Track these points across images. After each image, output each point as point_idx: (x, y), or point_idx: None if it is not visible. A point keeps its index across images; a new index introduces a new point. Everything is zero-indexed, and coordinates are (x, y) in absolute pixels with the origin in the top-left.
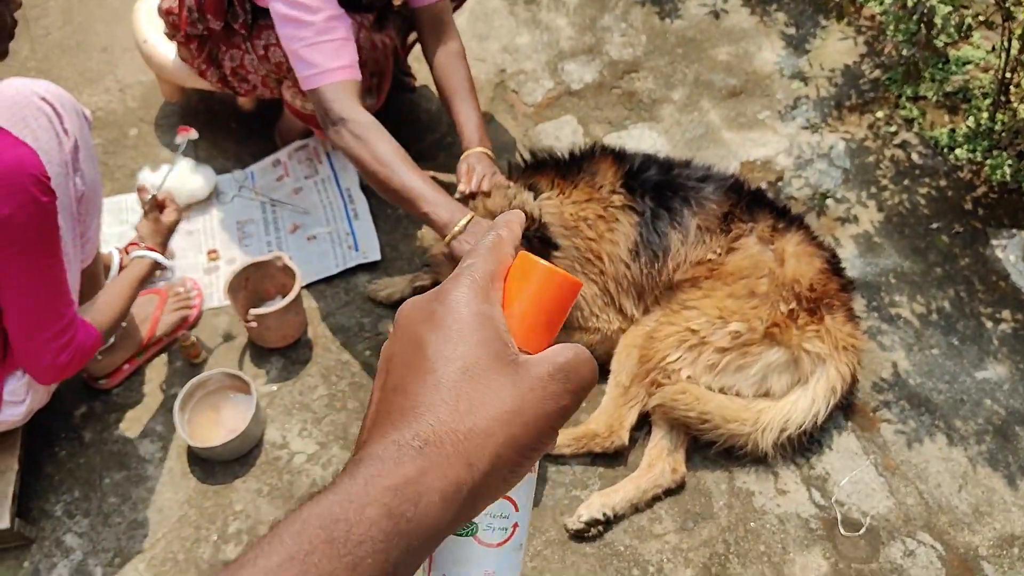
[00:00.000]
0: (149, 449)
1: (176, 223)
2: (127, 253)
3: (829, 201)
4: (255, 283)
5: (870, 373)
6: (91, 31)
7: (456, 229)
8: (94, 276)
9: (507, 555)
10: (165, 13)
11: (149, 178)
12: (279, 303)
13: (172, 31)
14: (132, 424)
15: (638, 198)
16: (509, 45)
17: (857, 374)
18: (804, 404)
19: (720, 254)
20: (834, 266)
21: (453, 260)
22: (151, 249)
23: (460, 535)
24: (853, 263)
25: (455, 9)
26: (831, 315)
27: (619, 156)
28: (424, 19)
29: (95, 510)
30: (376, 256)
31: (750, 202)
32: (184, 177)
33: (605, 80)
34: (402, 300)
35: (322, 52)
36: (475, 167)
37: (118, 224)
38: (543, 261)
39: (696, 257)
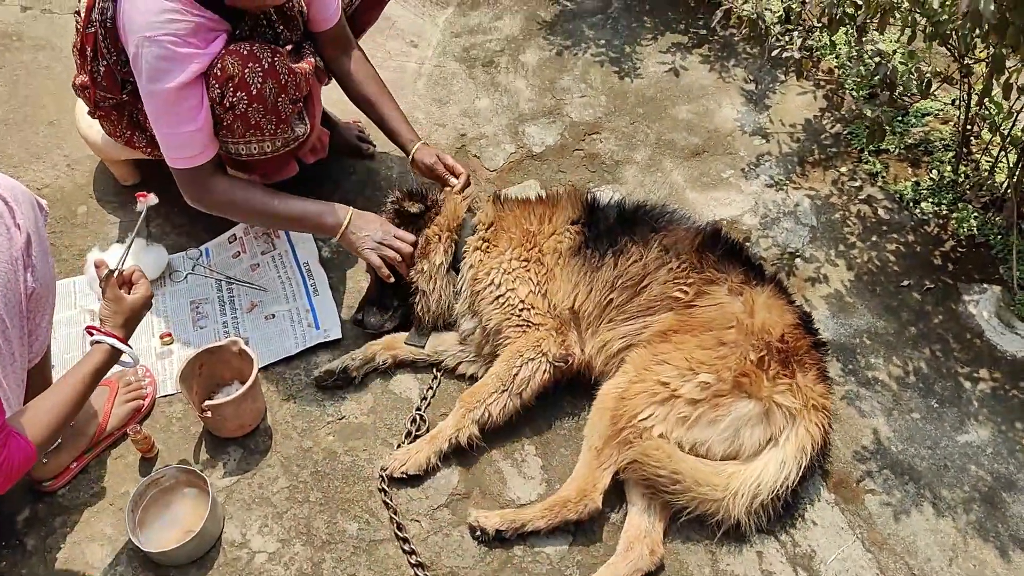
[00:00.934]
0: (98, 555)
1: (146, 300)
2: (91, 335)
3: (798, 261)
4: (210, 369)
5: (850, 441)
6: (37, 104)
7: (344, 226)
8: (43, 374)
9: None
10: (80, 89)
11: (99, 258)
12: (235, 392)
13: (91, 107)
14: (80, 528)
15: (596, 218)
16: (469, 109)
17: (828, 436)
18: (774, 467)
19: (688, 294)
20: (807, 324)
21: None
22: (110, 335)
23: None
24: (826, 324)
25: (368, 26)
26: (803, 372)
27: (592, 193)
28: (326, 41)
29: None
30: (337, 334)
31: (726, 253)
32: (135, 257)
33: (567, 142)
34: (345, 372)
35: (178, 140)
36: (444, 159)
37: (67, 308)
38: None
39: (663, 283)
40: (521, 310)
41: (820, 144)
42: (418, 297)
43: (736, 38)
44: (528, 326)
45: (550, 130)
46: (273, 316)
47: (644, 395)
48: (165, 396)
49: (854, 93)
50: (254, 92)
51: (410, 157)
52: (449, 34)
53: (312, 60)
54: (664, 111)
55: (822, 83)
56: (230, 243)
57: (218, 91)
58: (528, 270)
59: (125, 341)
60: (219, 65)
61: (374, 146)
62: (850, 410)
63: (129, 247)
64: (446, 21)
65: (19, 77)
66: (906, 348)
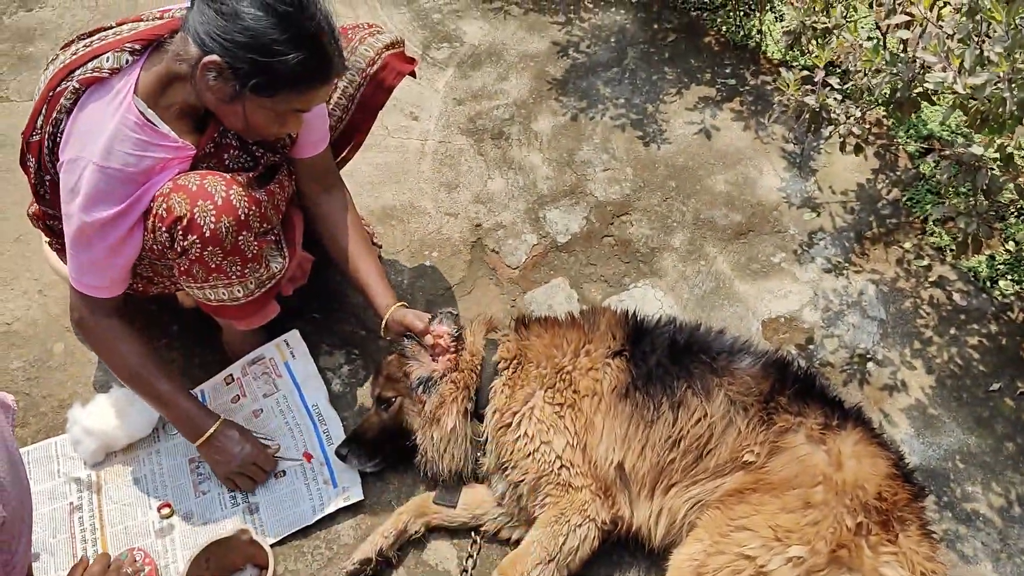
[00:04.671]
0: None
1: None
2: None
3: (870, 365)
4: (219, 560)
5: None
6: (1, 217)
7: (202, 441)
8: None
9: None
10: (34, 218)
11: (82, 416)
12: None
13: (47, 236)
14: None
15: (640, 349)
16: (481, 193)
17: None
18: None
19: (760, 455)
20: (903, 470)
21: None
22: None
23: None
24: (911, 445)
25: (341, 164)
26: (904, 532)
27: (634, 315)
28: (306, 172)
29: None
30: (359, 495)
31: (798, 391)
32: (119, 411)
33: (594, 228)
34: (381, 555)
35: (89, 267)
36: (415, 323)
37: (48, 478)
38: None
39: (732, 446)
40: (560, 468)
41: (878, 214)
42: (423, 460)
43: (769, 87)
44: (569, 488)
45: (574, 213)
46: (284, 473)
47: (727, 572)
48: None
49: (908, 149)
50: (207, 234)
51: (384, 322)
52: (452, 101)
53: (286, 181)
54: (699, 182)
55: (870, 138)
56: (227, 384)
57: (166, 235)
58: (563, 417)
59: None
60: (164, 205)
61: (379, 247)
62: (951, 555)
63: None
64: (447, 85)
65: None
66: (1005, 470)
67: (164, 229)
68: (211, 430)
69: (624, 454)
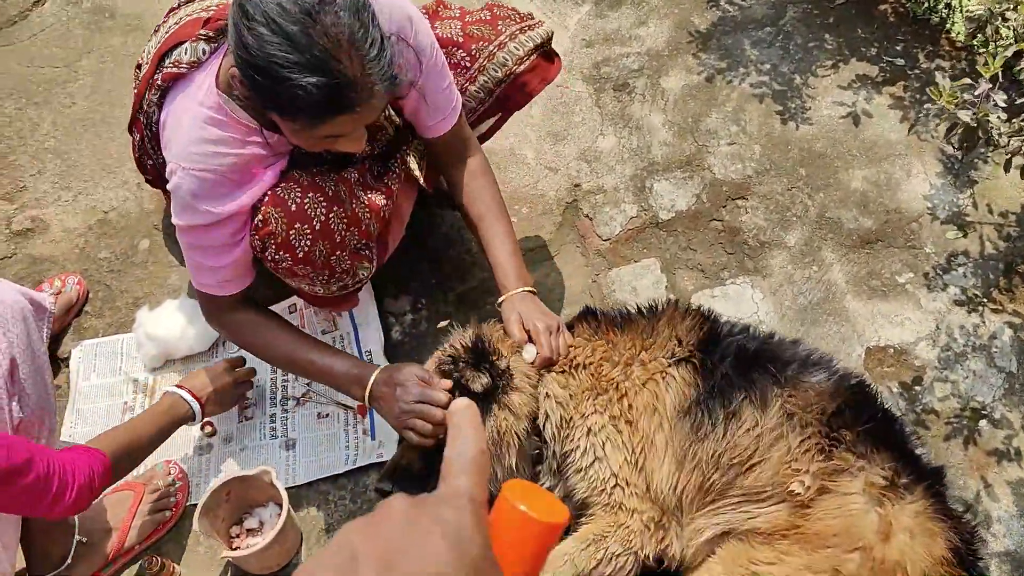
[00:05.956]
0: None
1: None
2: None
3: (983, 423)
4: (240, 493)
5: None
6: (118, 102)
7: (368, 392)
8: None
9: None
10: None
11: (148, 320)
12: (260, 541)
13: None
14: None
15: (710, 358)
16: (589, 150)
17: None
18: None
19: (809, 488)
20: (962, 557)
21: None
22: (191, 393)
23: None
24: (1009, 526)
25: (494, 129)
26: None
27: (707, 316)
28: (436, 148)
29: None
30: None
31: (872, 430)
32: (183, 321)
33: (703, 208)
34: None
35: (201, 269)
36: (531, 319)
37: (110, 374)
38: (521, 506)
39: (777, 465)
40: (614, 487)
41: None
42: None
43: (945, 74)
44: (620, 509)
45: (684, 189)
46: (327, 416)
47: None
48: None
49: None
50: (300, 255)
51: (498, 302)
52: (580, 41)
53: (389, 190)
54: (833, 175)
55: None
56: (289, 313)
57: (258, 242)
58: (620, 432)
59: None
60: (260, 216)
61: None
62: None
63: None
64: (579, 23)
65: (105, 66)
66: None
67: (257, 237)
68: (373, 378)
69: (680, 477)
